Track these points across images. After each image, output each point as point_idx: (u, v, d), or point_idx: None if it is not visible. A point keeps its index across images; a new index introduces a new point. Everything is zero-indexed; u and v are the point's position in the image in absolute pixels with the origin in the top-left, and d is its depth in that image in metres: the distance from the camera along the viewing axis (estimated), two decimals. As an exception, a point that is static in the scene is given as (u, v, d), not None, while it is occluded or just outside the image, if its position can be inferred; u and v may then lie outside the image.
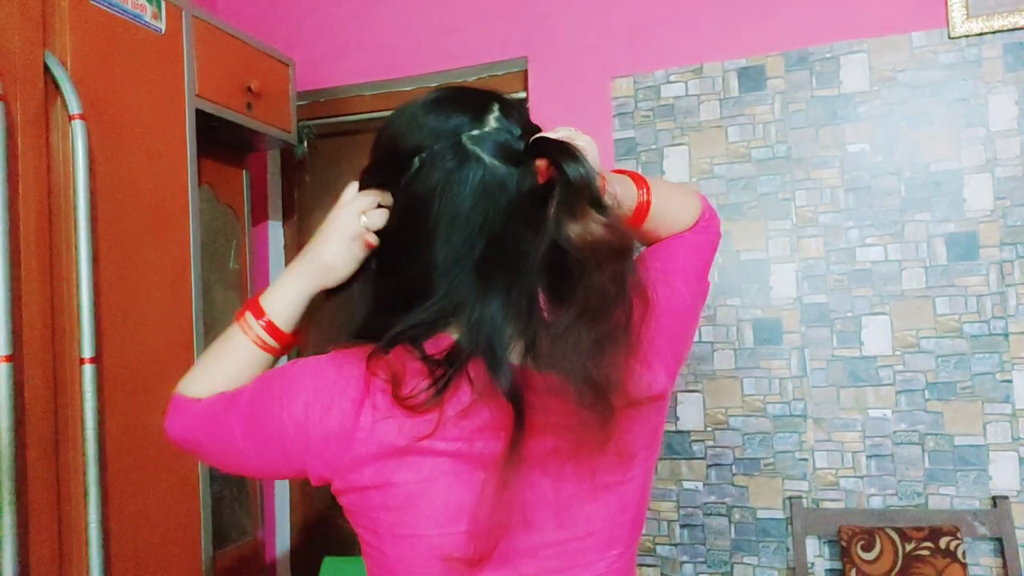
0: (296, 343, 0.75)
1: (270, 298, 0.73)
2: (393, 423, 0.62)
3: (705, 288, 0.84)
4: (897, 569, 1.64)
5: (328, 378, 0.64)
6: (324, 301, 0.74)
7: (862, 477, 1.77)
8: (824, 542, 1.80)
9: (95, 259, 1.33)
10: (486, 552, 0.63)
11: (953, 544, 1.62)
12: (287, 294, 0.73)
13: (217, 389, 0.72)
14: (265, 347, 0.73)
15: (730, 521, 1.86)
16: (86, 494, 1.27)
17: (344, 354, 0.66)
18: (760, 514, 1.84)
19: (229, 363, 0.73)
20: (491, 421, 0.62)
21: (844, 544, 1.69)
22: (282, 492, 2.34)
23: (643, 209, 0.78)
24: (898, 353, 1.76)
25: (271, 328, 0.73)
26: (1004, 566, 1.65)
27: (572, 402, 0.61)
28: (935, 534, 1.64)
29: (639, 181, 0.79)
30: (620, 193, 0.72)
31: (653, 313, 0.67)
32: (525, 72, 2.10)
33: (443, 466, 0.63)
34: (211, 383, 0.73)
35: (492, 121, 0.67)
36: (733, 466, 1.86)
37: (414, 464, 0.63)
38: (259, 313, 0.73)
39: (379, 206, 0.70)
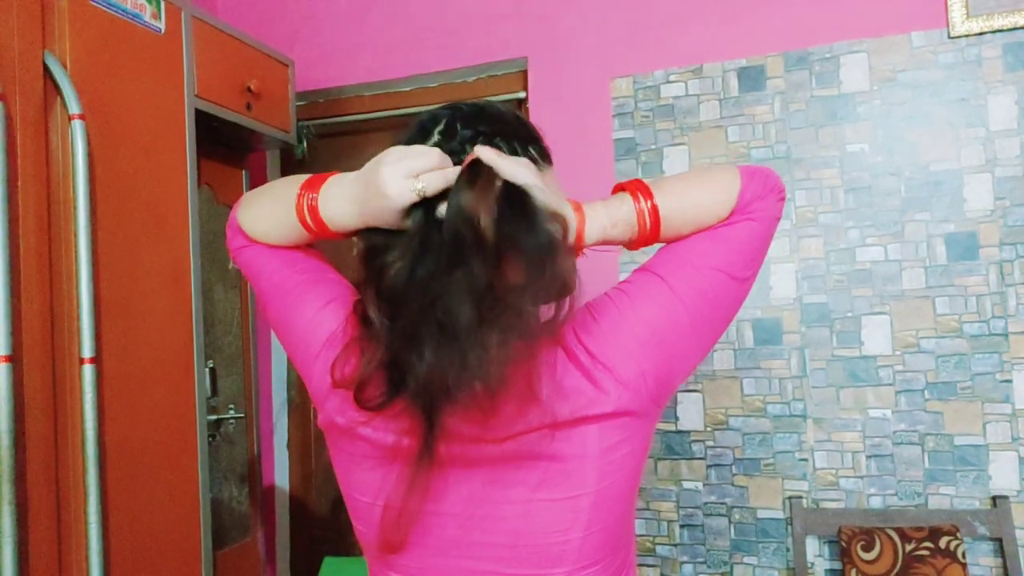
0: (336, 238, 0.74)
1: (326, 194, 0.71)
2: (339, 400, 0.68)
3: (732, 286, 0.69)
4: (897, 569, 1.64)
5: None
6: None
7: (862, 477, 1.77)
8: (824, 542, 1.80)
9: (95, 259, 1.33)
10: (394, 542, 0.69)
11: (953, 544, 1.62)
12: (337, 207, 0.70)
13: (258, 232, 0.78)
14: (307, 228, 0.73)
15: (730, 521, 1.86)
16: (86, 494, 1.27)
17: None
18: (760, 514, 1.84)
19: (276, 219, 0.76)
20: (415, 424, 0.64)
21: (844, 544, 1.69)
22: (282, 492, 2.34)
23: (651, 220, 0.68)
24: (898, 353, 1.76)
25: (315, 216, 0.72)
26: (1004, 566, 1.65)
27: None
28: (935, 534, 1.64)
29: (640, 191, 0.70)
30: (612, 217, 0.68)
31: (603, 317, 0.66)
32: (525, 72, 2.10)
33: (370, 453, 0.68)
34: (256, 225, 0.78)
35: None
36: (733, 466, 1.86)
37: (349, 445, 0.70)
38: (313, 199, 0.71)
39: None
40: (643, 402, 0.65)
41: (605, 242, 0.70)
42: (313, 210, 0.71)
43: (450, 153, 0.68)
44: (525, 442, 0.63)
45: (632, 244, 0.71)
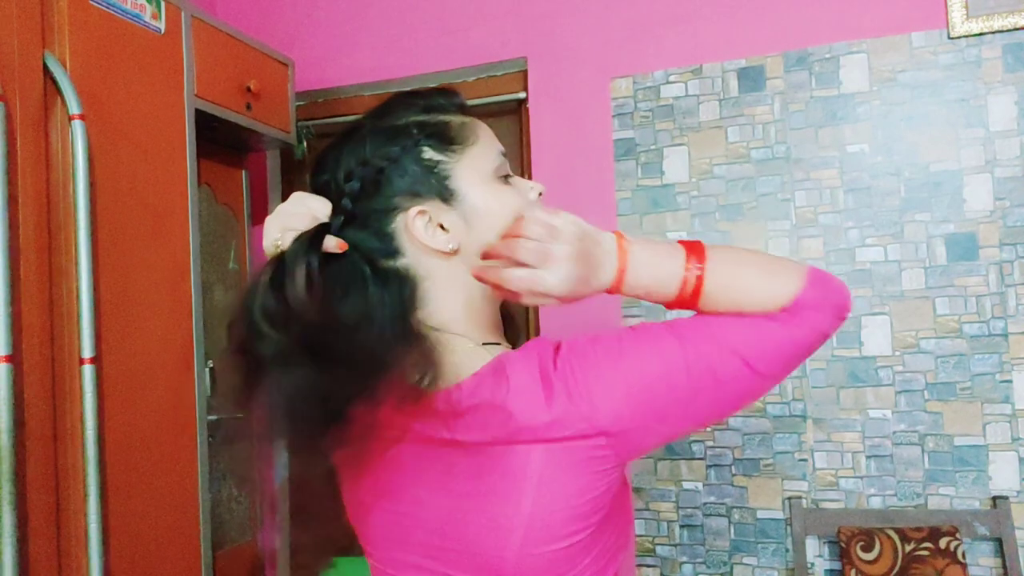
0: None
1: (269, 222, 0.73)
2: None
3: (748, 376, 0.63)
4: (897, 569, 1.64)
5: None
6: None
7: (862, 477, 1.77)
8: (824, 542, 1.80)
9: (95, 259, 1.33)
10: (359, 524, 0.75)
11: (953, 544, 1.62)
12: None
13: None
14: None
15: (730, 522, 1.86)
16: (86, 494, 1.27)
17: None
18: (760, 514, 1.84)
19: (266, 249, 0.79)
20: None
21: (844, 544, 1.69)
22: (282, 492, 2.34)
23: (692, 285, 0.65)
24: (898, 353, 1.76)
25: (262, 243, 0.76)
26: (1004, 566, 1.65)
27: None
28: (935, 534, 1.64)
29: (694, 252, 0.66)
30: (652, 260, 0.65)
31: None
32: (525, 72, 2.10)
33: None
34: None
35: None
36: (733, 466, 1.86)
37: None
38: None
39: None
40: (598, 435, 0.61)
41: (644, 295, 0.68)
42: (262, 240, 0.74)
43: (343, 195, 0.69)
44: (475, 451, 0.64)
45: (669, 305, 0.68)
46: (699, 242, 0.67)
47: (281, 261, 0.62)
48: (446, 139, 0.71)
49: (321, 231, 0.65)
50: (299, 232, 0.64)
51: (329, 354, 0.60)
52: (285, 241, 0.64)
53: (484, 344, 0.70)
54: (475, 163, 0.71)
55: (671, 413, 0.63)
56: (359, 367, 0.60)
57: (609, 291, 0.66)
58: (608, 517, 0.66)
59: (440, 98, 0.74)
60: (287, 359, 0.59)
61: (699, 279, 0.64)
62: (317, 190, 0.71)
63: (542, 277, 0.62)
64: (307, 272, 0.61)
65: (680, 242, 0.67)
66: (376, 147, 0.69)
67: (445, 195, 0.69)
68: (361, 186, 0.69)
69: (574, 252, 0.63)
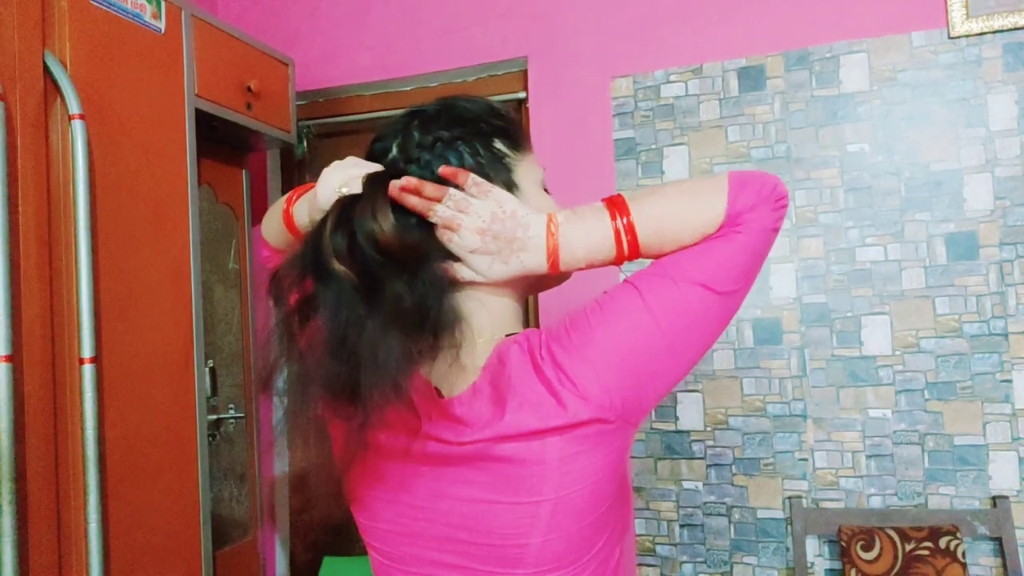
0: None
1: (301, 197, 0.77)
2: None
3: (715, 301, 0.64)
4: (897, 569, 1.64)
5: None
6: None
7: (862, 477, 1.77)
8: (824, 542, 1.80)
9: (95, 259, 1.33)
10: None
11: (953, 544, 1.62)
12: (299, 206, 0.77)
13: (271, 240, 0.85)
14: (289, 229, 0.80)
15: (730, 521, 1.86)
16: (86, 494, 1.27)
17: None
18: (760, 514, 1.84)
19: (276, 225, 0.83)
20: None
21: (844, 544, 1.69)
22: (282, 492, 2.34)
23: (627, 239, 0.66)
24: (898, 353, 1.76)
25: (288, 217, 0.79)
26: (1004, 566, 1.65)
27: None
28: (935, 534, 1.64)
29: (617, 207, 0.66)
30: (584, 234, 0.67)
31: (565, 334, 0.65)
32: (525, 72, 2.10)
33: None
34: (269, 234, 0.86)
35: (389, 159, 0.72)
36: (733, 466, 1.86)
37: None
38: (291, 202, 0.79)
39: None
40: (607, 418, 0.63)
41: (587, 266, 0.70)
42: (288, 212, 0.76)
43: (410, 161, 0.70)
44: (487, 447, 0.64)
45: (616, 263, 0.70)
46: (619, 195, 0.68)
47: (353, 201, 0.64)
48: (513, 139, 0.73)
49: (386, 175, 0.67)
50: (356, 180, 0.67)
51: (411, 282, 0.62)
52: (353, 186, 0.66)
53: (508, 335, 0.71)
54: (531, 167, 0.74)
55: (657, 368, 0.64)
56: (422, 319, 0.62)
57: (552, 272, 0.69)
58: (618, 491, 0.68)
59: (500, 108, 0.77)
60: (366, 294, 0.61)
61: (631, 228, 0.66)
62: (375, 158, 0.73)
63: (445, 237, 0.67)
64: (390, 203, 0.64)
65: (603, 200, 0.68)
66: (450, 125, 0.71)
67: (510, 185, 0.71)
68: (430, 156, 0.70)
69: (483, 228, 0.66)
